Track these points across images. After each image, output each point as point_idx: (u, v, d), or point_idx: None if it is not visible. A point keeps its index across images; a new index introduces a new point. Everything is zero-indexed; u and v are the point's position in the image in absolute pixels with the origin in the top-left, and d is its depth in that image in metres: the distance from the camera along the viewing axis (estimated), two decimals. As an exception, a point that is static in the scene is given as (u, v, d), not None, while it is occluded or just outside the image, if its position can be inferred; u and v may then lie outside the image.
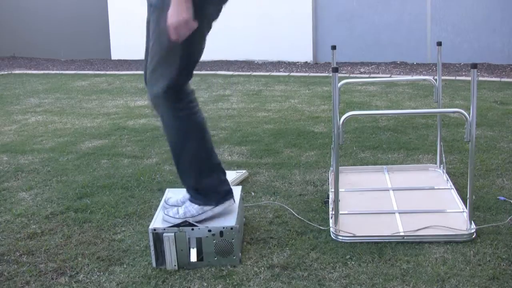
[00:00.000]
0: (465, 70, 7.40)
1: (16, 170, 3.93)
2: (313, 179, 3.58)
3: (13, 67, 8.96)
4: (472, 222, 2.76)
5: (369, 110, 5.31)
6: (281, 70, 7.99)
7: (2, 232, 2.96)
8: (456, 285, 2.33)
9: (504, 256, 2.54)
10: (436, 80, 3.43)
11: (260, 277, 2.44)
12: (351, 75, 7.42)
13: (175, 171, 3.75)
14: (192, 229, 2.53)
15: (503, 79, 6.76)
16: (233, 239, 2.52)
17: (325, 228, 2.86)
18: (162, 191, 3.34)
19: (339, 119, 2.72)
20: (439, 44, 3.42)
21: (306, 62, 8.45)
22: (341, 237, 2.73)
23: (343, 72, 7.61)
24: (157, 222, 2.60)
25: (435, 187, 3.32)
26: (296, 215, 3.03)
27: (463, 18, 7.84)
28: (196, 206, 2.61)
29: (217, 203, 2.63)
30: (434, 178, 3.47)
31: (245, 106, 5.66)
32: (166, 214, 2.61)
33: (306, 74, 7.61)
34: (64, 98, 6.41)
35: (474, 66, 2.64)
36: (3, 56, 9.87)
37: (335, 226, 2.79)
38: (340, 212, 2.92)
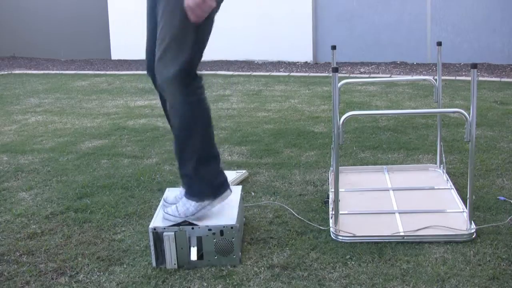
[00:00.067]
0: (465, 70, 7.40)
1: (16, 170, 3.93)
2: (313, 179, 3.58)
3: (13, 67, 8.96)
4: (472, 222, 2.76)
5: (369, 110, 5.31)
6: (281, 70, 7.99)
7: (2, 232, 2.96)
8: (456, 285, 2.33)
9: (504, 256, 2.54)
10: (436, 80, 3.43)
11: (260, 277, 2.44)
12: (351, 75, 7.42)
13: (175, 171, 3.77)
14: (193, 228, 2.53)
15: (503, 79, 6.76)
16: (233, 238, 2.52)
17: (325, 228, 2.86)
18: (162, 191, 3.34)
19: (339, 119, 2.72)
20: (439, 44, 3.42)
21: (306, 62, 8.46)
22: (341, 237, 2.73)
23: (343, 72, 7.61)
24: (157, 221, 2.60)
25: (435, 187, 3.32)
26: (296, 215, 3.03)
27: (463, 18, 7.84)
28: (193, 203, 2.57)
29: (214, 196, 2.60)
30: (434, 178, 3.47)
31: (245, 106, 5.66)
32: (165, 213, 2.60)
33: (306, 74, 7.61)
34: (64, 98, 6.41)
35: (474, 66, 2.64)
36: (3, 56, 9.87)
37: (335, 226, 2.79)
38: (340, 212, 2.92)
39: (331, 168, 3.54)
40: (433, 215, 2.94)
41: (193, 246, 2.52)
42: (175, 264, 2.52)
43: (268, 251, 2.65)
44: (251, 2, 8.51)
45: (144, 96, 6.37)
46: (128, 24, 8.91)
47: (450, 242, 2.67)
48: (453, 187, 3.27)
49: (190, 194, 2.60)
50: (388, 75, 7.40)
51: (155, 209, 2.76)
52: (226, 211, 2.66)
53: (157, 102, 5.89)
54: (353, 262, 2.53)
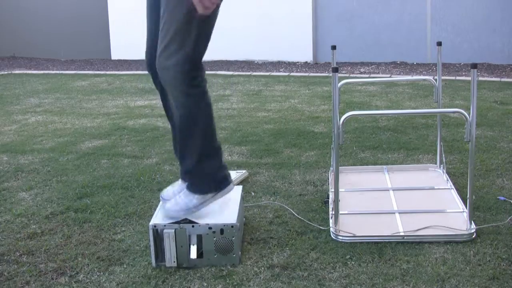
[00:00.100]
0: (465, 70, 7.40)
1: (16, 170, 3.93)
2: (313, 179, 3.58)
3: (13, 67, 8.96)
4: (472, 222, 2.76)
5: (369, 110, 5.31)
6: (281, 70, 7.99)
7: (2, 232, 2.96)
8: (456, 285, 2.33)
9: (504, 256, 2.54)
10: (436, 80, 3.43)
11: (260, 277, 2.44)
12: (351, 75, 7.42)
13: (175, 171, 3.77)
14: (193, 226, 2.53)
15: (503, 79, 6.76)
16: (233, 237, 2.52)
17: (325, 228, 2.86)
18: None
19: (339, 119, 2.72)
20: (439, 44, 3.42)
21: (306, 62, 8.46)
22: (341, 237, 2.73)
23: (343, 72, 7.61)
24: (157, 218, 2.60)
25: (435, 187, 3.32)
26: (296, 215, 3.03)
27: (463, 18, 7.84)
28: (196, 196, 2.56)
29: (217, 190, 2.58)
30: (434, 178, 3.47)
31: (245, 106, 5.66)
32: (166, 209, 2.57)
33: (306, 74, 7.61)
34: (64, 98, 6.41)
35: (474, 66, 2.64)
36: (3, 56, 9.87)
37: (335, 226, 2.79)
38: (340, 212, 2.92)
39: (331, 168, 3.54)
40: (433, 215, 2.94)
41: (193, 244, 2.52)
42: (174, 262, 2.52)
43: (268, 251, 2.65)
44: (251, 2, 8.51)
45: (144, 96, 6.37)
46: (128, 24, 8.91)
47: (450, 242, 2.67)
48: (453, 187, 3.27)
49: (193, 188, 2.58)
50: (388, 75, 7.40)
51: (155, 209, 2.75)
52: (227, 210, 2.66)
53: (157, 102, 5.90)
54: (353, 262, 2.53)
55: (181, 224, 2.53)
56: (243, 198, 3.08)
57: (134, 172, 3.80)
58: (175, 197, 2.62)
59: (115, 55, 9.31)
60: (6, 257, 2.68)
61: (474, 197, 3.11)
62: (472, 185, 2.70)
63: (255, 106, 5.67)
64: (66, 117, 5.47)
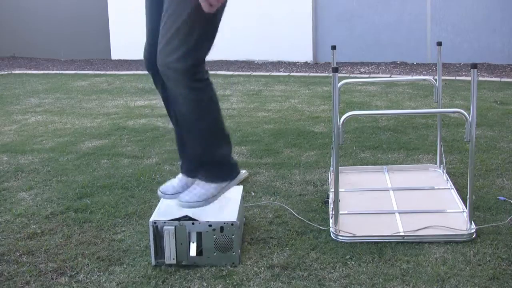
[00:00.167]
0: (465, 70, 7.40)
1: (16, 170, 3.93)
2: (313, 179, 3.58)
3: (13, 67, 8.96)
4: (472, 222, 2.76)
5: (369, 110, 5.31)
6: (281, 70, 7.99)
7: (2, 232, 2.96)
8: (456, 285, 2.33)
9: (504, 256, 2.54)
10: (436, 80, 3.43)
11: (260, 277, 2.44)
12: (351, 75, 7.42)
13: (175, 171, 3.76)
14: (193, 223, 2.53)
15: (503, 79, 6.76)
16: (233, 235, 2.52)
17: (325, 228, 2.86)
18: (162, 191, 3.34)
19: (339, 119, 2.72)
20: (439, 44, 3.42)
21: (306, 62, 8.46)
22: (341, 237, 2.73)
23: (343, 72, 7.61)
24: (157, 215, 2.60)
25: (435, 187, 3.32)
26: (296, 215, 3.03)
27: (463, 18, 7.84)
28: (214, 185, 2.58)
29: (232, 177, 2.62)
30: (434, 178, 3.47)
31: (245, 106, 5.66)
32: (183, 201, 2.55)
33: (306, 74, 7.61)
34: (64, 98, 6.41)
35: (474, 66, 2.64)
36: (3, 56, 9.87)
37: (335, 226, 2.79)
38: (340, 212, 2.92)
39: (331, 168, 3.54)
40: (433, 215, 2.94)
41: (193, 242, 2.52)
42: (174, 259, 2.52)
43: (268, 251, 2.65)
44: (251, 2, 8.51)
45: (144, 96, 6.37)
46: (128, 24, 8.91)
47: (450, 242, 2.67)
48: (453, 187, 3.27)
49: (210, 177, 2.59)
50: (388, 75, 7.40)
51: (155, 209, 2.75)
52: (227, 208, 2.66)
53: (157, 102, 5.90)
54: (353, 262, 2.53)
55: (181, 221, 2.53)
56: (243, 198, 3.08)
57: (134, 172, 3.80)
58: (189, 189, 2.61)
59: (115, 55, 9.31)
60: (6, 257, 2.68)
61: (474, 197, 3.11)
62: (472, 185, 2.70)
63: (255, 106, 5.67)
64: (66, 117, 5.47)
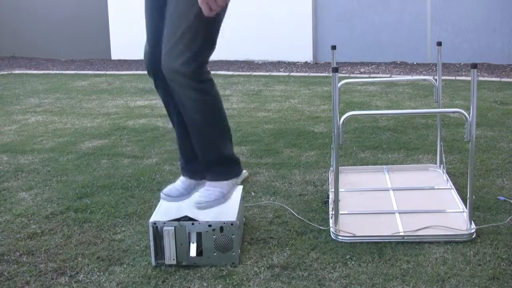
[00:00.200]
0: (465, 70, 7.40)
1: (16, 170, 3.93)
2: (313, 179, 3.58)
3: (13, 67, 8.96)
4: (472, 222, 2.76)
5: (369, 110, 5.31)
6: (281, 70, 8.00)
7: (2, 232, 2.96)
8: (456, 285, 2.33)
9: (504, 256, 2.54)
10: (436, 80, 3.43)
11: (260, 277, 2.44)
12: (351, 75, 7.42)
13: (175, 171, 3.77)
14: (193, 224, 2.53)
15: (503, 79, 6.76)
16: (233, 235, 2.52)
17: (325, 228, 2.86)
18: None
19: (339, 119, 2.72)
20: (439, 44, 3.42)
21: (306, 62, 8.46)
22: (341, 237, 2.73)
23: (343, 72, 7.61)
24: (157, 216, 2.60)
25: (435, 187, 3.32)
26: (296, 215, 3.03)
27: (463, 18, 7.84)
28: (225, 182, 2.59)
29: (239, 173, 2.65)
30: (434, 178, 3.47)
31: (245, 106, 5.66)
32: (203, 202, 2.54)
33: (306, 74, 7.61)
34: (64, 98, 6.41)
35: (474, 66, 2.64)
36: (3, 56, 9.87)
37: (335, 226, 2.79)
38: (340, 212, 2.92)
39: (331, 168, 3.54)
40: (433, 215, 2.94)
41: (193, 242, 2.52)
42: (174, 259, 2.52)
43: (268, 251, 2.65)
44: (251, 2, 8.51)
45: (144, 96, 6.37)
46: (128, 24, 8.91)
47: (450, 242, 2.66)
48: (453, 187, 3.27)
49: (221, 176, 2.61)
50: (388, 75, 7.40)
51: (155, 209, 2.75)
52: (227, 208, 2.66)
53: (157, 102, 5.90)
54: (353, 262, 2.53)
55: (181, 222, 2.53)
56: (243, 198, 3.08)
57: (134, 172, 3.80)
58: (203, 190, 2.60)
59: (115, 55, 9.31)
60: (6, 257, 2.68)
61: (474, 197, 3.11)
62: (472, 185, 2.70)
63: (255, 106, 5.67)
64: (66, 117, 5.48)
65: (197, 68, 2.43)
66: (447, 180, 3.38)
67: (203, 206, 2.56)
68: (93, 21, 9.35)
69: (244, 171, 3.67)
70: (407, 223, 2.84)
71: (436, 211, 2.98)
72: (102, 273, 2.52)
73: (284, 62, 8.50)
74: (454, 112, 2.73)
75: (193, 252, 2.51)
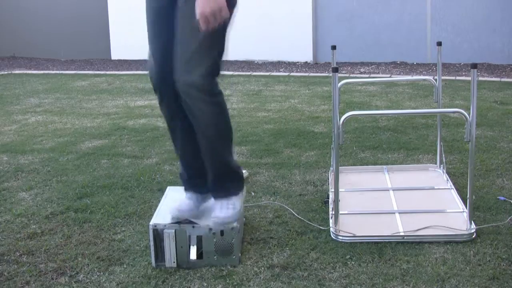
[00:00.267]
0: (465, 70, 7.40)
1: (16, 170, 3.93)
2: (313, 179, 3.58)
3: (13, 67, 8.96)
4: (472, 222, 2.76)
5: (369, 110, 5.31)
6: (281, 70, 7.99)
7: (2, 232, 2.96)
8: (456, 285, 2.33)
9: (504, 256, 2.54)
10: (436, 80, 3.43)
11: (260, 277, 2.44)
12: (351, 75, 7.42)
13: (175, 171, 3.77)
14: (193, 227, 2.53)
15: (503, 79, 6.76)
16: (233, 239, 2.52)
17: (325, 228, 2.86)
18: (162, 191, 3.33)
19: (339, 119, 2.72)
20: (439, 44, 3.42)
21: (306, 62, 8.45)
22: (341, 237, 2.73)
23: (343, 72, 7.61)
24: (158, 218, 2.60)
25: (435, 187, 3.32)
26: (296, 215, 3.03)
27: (463, 18, 7.84)
28: (235, 197, 2.60)
29: (244, 184, 2.68)
30: (434, 178, 3.47)
31: (245, 106, 5.66)
32: (221, 219, 2.53)
33: (306, 74, 7.61)
34: (64, 98, 6.41)
35: (474, 66, 2.64)
36: (3, 56, 9.87)
37: (335, 226, 2.79)
38: (340, 212, 2.92)
39: (331, 168, 3.54)
40: (433, 215, 2.94)
41: (193, 245, 2.52)
42: (174, 262, 2.52)
43: (268, 251, 2.65)
44: (251, 2, 8.51)
45: (144, 96, 6.37)
46: (128, 24, 8.91)
47: (450, 242, 2.67)
48: (453, 187, 3.27)
49: (232, 190, 2.62)
50: (388, 75, 7.40)
51: (155, 209, 2.75)
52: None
53: (157, 102, 5.88)
54: (353, 262, 2.53)
55: (181, 225, 2.53)
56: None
57: (134, 172, 3.80)
58: (218, 208, 2.59)
59: (115, 55, 9.30)
60: (6, 257, 2.68)
61: (474, 197, 3.11)
62: (472, 185, 2.70)
63: (255, 106, 5.67)
64: (66, 117, 5.47)
65: (212, 80, 2.45)
66: (447, 180, 3.38)
67: (221, 222, 2.56)
68: (93, 21, 9.35)
69: (244, 171, 3.66)
70: (407, 223, 2.84)
71: (436, 211, 2.98)
72: (102, 273, 2.52)
73: (284, 62, 8.50)
74: (454, 112, 2.73)
75: (193, 255, 2.51)
